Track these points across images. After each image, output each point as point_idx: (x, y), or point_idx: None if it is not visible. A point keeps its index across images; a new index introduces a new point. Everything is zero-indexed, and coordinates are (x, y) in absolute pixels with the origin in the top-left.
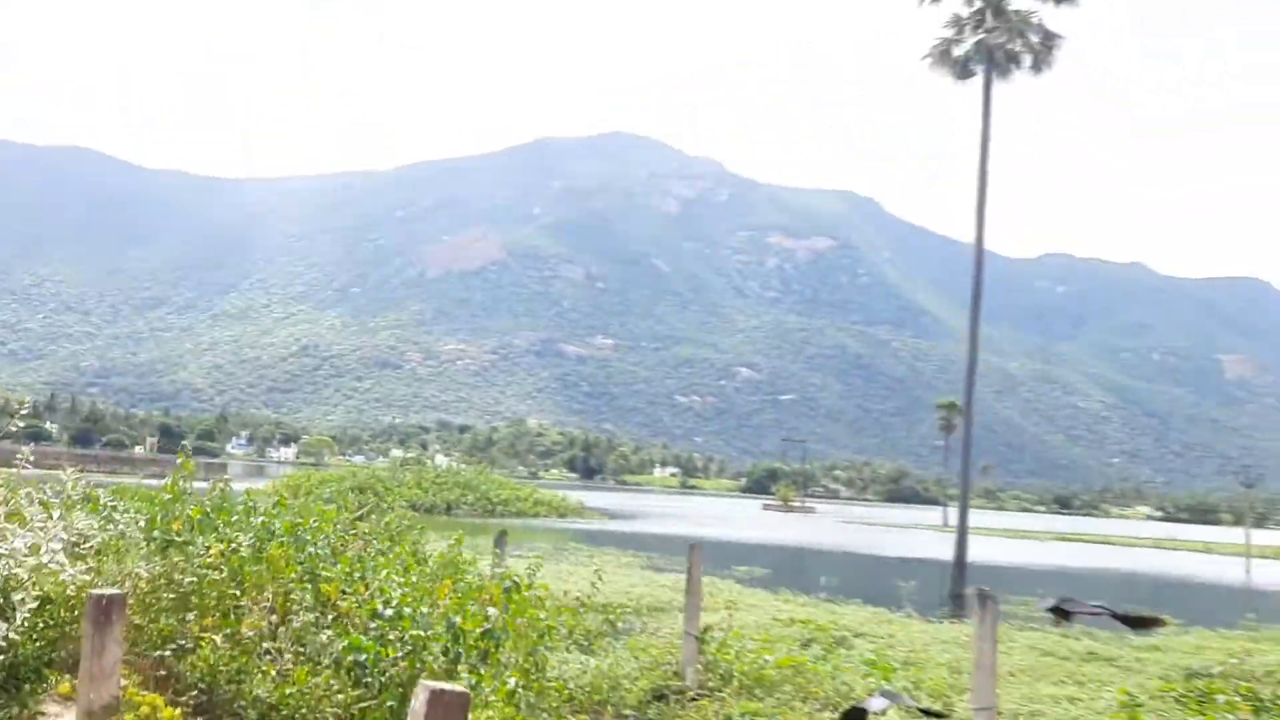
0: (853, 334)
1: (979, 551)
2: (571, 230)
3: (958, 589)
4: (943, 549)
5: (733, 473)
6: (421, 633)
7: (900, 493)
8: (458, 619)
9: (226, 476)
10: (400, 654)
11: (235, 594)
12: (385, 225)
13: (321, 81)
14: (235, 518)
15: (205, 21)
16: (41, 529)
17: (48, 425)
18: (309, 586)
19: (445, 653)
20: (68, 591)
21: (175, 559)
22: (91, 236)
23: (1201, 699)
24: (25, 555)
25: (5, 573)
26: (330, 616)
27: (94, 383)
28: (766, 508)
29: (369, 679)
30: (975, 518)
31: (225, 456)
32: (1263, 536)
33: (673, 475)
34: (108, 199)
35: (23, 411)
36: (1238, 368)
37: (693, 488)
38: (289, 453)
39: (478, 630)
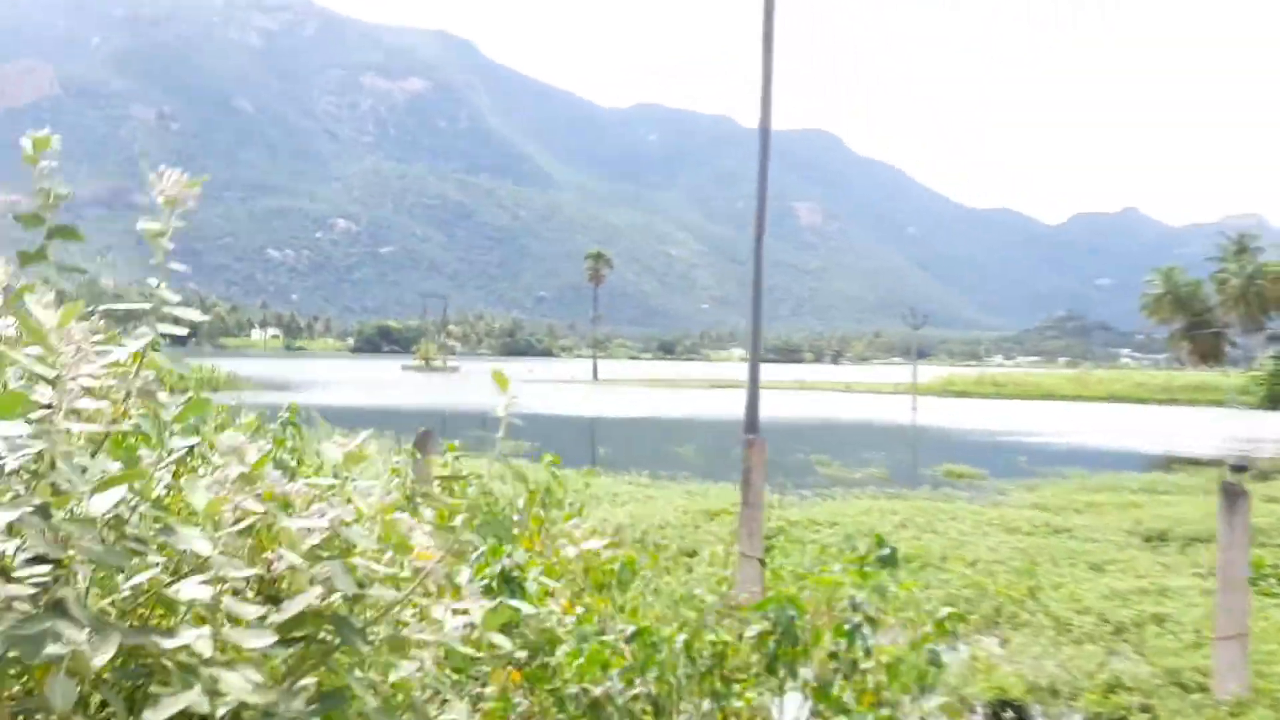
0: (454, 182)
1: (643, 405)
2: (139, 63)
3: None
4: (647, 405)
5: (339, 332)
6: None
7: (515, 346)
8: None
9: None
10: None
11: None
12: None
13: None
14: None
15: None
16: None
17: None
18: None
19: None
20: None
21: None
22: None
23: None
24: None
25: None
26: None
27: None
28: (406, 369)
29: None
30: (581, 367)
31: None
32: (855, 372)
33: (275, 337)
34: None
35: None
36: (810, 216)
37: (299, 349)
38: None
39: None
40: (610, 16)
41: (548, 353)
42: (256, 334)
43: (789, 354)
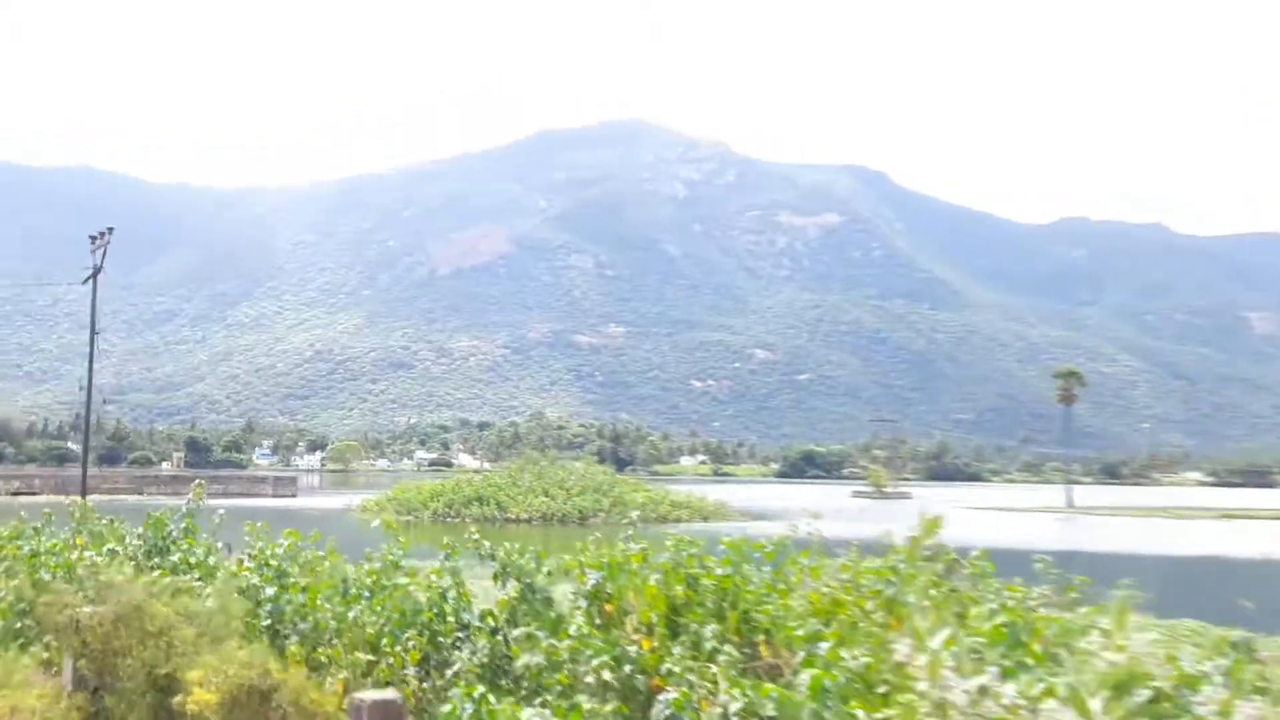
0: (868, 309)
1: (1124, 538)
2: (578, 220)
3: None
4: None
5: (761, 457)
6: None
7: (941, 470)
8: None
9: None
10: None
11: None
12: (392, 226)
13: (321, 86)
14: None
15: (200, 35)
16: None
17: (71, 445)
18: None
19: None
20: None
21: None
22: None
23: None
24: None
25: None
26: None
27: (111, 400)
28: (857, 495)
29: None
30: (1044, 493)
31: (253, 467)
32: None
33: (703, 463)
34: (116, 217)
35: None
36: (1265, 325)
37: (726, 475)
38: (314, 459)
39: None
40: (1030, 134)
41: (975, 477)
42: (686, 460)
43: (1256, 476)
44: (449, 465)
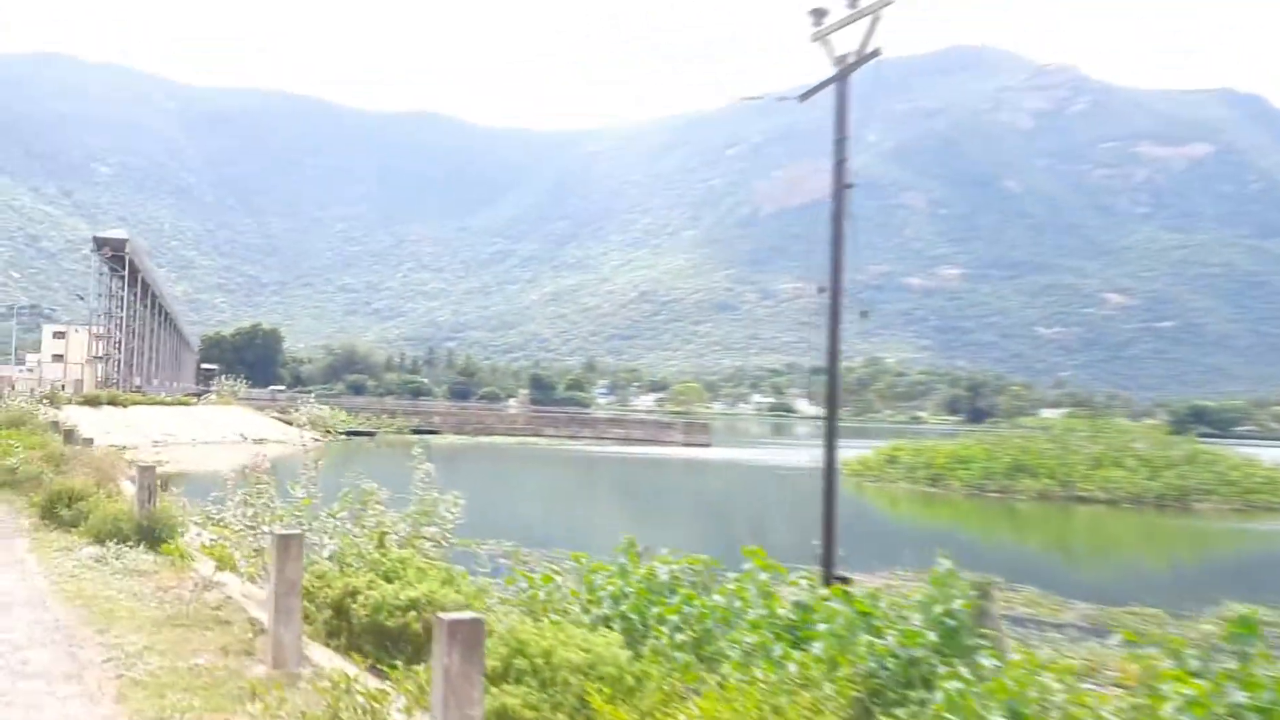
0: (1243, 249)
1: None
2: (912, 155)
3: None
4: None
5: (1134, 411)
6: None
7: None
8: None
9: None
10: None
11: None
12: (716, 165)
13: (643, 25)
14: None
15: None
16: None
17: (424, 379)
18: None
19: None
20: None
21: None
22: (441, 197)
23: None
24: None
25: None
26: None
27: (450, 337)
28: None
29: None
30: None
31: (594, 407)
32: None
33: (1066, 416)
34: (454, 160)
35: None
36: None
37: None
38: (650, 400)
39: None
40: None
41: None
42: (1046, 413)
43: None
44: (789, 411)
